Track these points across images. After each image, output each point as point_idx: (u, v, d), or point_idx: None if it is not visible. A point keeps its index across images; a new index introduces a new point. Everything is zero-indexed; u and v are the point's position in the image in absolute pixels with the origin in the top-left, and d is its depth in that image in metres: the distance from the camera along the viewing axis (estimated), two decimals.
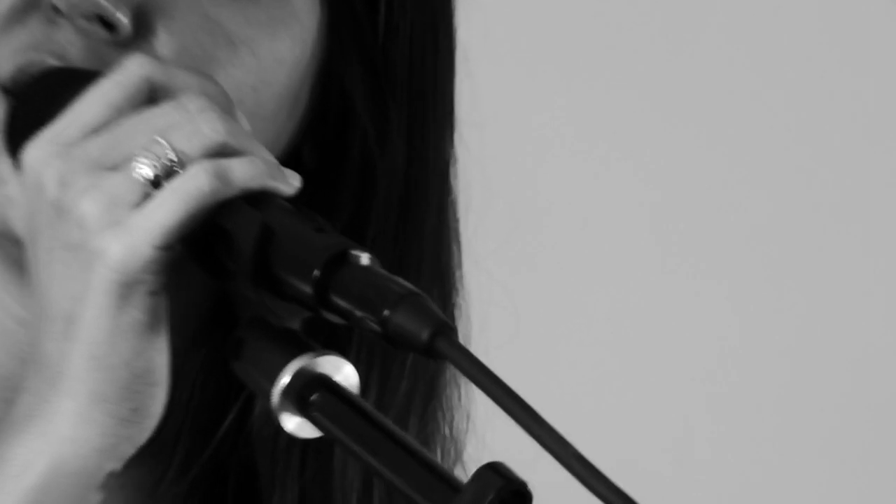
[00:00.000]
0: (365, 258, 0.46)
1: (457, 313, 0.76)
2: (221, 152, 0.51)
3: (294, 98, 0.67)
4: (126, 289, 0.49)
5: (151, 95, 0.54)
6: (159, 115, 0.52)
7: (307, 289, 0.45)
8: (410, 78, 0.71)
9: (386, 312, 0.43)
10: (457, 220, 0.76)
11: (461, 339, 0.73)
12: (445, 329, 0.43)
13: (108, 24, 0.59)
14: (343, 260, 0.46)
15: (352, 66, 0.69)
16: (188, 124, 0.51)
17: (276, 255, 0.47)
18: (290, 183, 0.52)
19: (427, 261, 0.71)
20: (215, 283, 0.54)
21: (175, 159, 0.50)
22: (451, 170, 0.75)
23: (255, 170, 0.51)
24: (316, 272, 0.45)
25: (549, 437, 0.45)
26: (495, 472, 0.42)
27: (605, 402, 2.76)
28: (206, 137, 0.51)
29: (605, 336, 2.78)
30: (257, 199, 0.49)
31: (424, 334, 0.43)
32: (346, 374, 0.47)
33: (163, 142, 0.50)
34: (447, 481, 0.44)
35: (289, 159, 0.65)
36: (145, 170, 0.50)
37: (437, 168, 0.73)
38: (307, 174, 0.57)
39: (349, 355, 0.52)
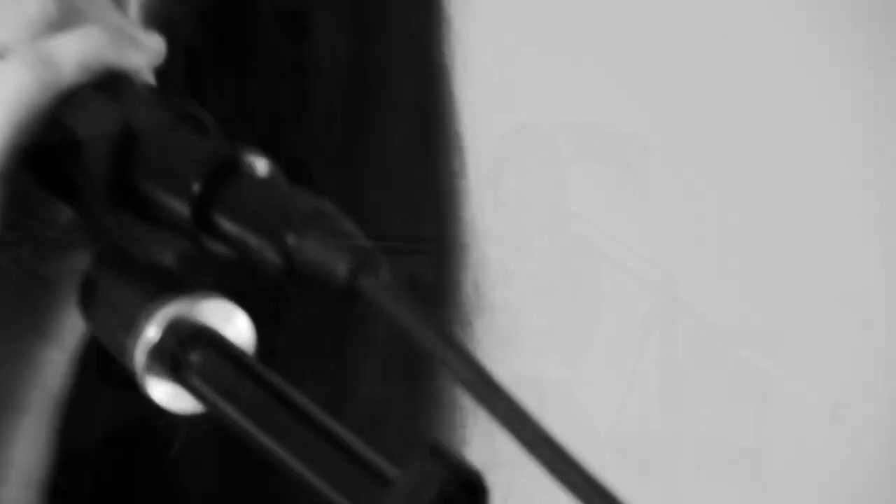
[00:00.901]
0: (262, 166, 0.32)
1: (460, 259, 0.55)
2: (52, 32, 0.36)
3: None
4: None
5: None
6: None
7: (183, 209, 0.32)
8: None
9: (290, 239, 0.30)
10: (454, 128, 0.54)
11: (470, 293, 0.55)
12: (372, 261, 0.30)
13: None
14: (232, 170, 0.32)
15: None
16: (10, 6, 0.36)
17: (141, 163, 0.33)
18: (148, 49, 0.36)
19: (396, 188, 0.52)
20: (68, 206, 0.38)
21: None
22: (439, 54, 0.52)
23: (92, 42, 0.35)
24: (195, 186, 0.31)
25: (508, 410, 0.33)
26: (438, 459, 0.29)
27: None
28: (32, 16, 0.36)
29: None
30: (113, 89, 0.34)
31: (342, 268, 0.29)
32: (238, 326, 0.33)
33: None
34: (374, 472, 0.31)
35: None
36: None
37: (409, 56, 0.52)
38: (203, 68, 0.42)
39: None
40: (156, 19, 0.45)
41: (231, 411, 0.32)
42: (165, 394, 0.32)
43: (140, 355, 0.32)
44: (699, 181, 4.39)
